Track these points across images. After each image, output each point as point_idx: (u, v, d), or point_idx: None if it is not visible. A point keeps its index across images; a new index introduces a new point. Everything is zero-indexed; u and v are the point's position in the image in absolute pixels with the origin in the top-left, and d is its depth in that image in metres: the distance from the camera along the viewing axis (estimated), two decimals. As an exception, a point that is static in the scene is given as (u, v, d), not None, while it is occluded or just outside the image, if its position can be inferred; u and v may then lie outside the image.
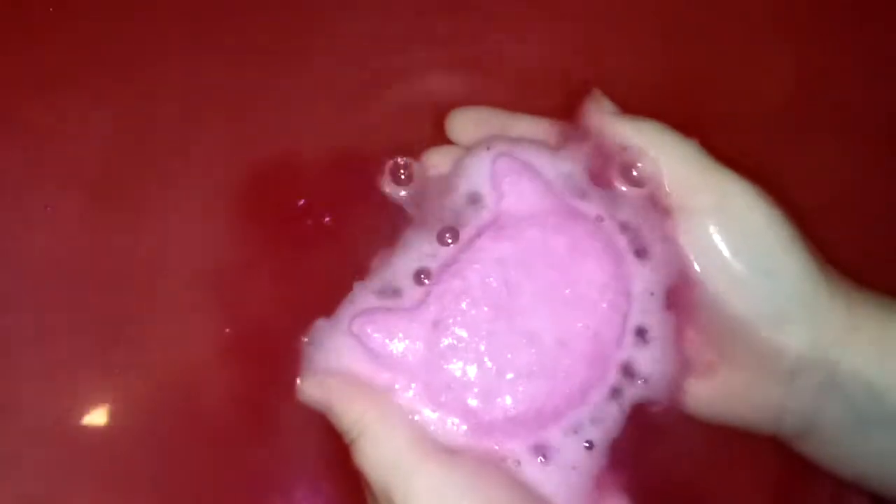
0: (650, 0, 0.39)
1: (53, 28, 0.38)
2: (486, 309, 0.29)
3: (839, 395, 0.28)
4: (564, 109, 0.33)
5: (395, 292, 0.30)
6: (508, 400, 0.28)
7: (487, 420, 0.28)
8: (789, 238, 0.29)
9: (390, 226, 0.33)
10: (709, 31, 0.39)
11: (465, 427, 0.28)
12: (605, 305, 0.29)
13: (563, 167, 0.31)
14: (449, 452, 0.27)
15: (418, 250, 0.30)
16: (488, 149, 0.31)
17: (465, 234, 0.30)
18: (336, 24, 0.39)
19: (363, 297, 0.30)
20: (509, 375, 0.28)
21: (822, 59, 0.39)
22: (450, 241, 0.30)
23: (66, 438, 0.35)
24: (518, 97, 0.36)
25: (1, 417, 0.35)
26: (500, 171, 0.30)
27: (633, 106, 0.32)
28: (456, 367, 0.28)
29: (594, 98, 0.32)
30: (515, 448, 0.28)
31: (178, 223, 0.37)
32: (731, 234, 0.29)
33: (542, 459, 0.28)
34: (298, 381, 0.29)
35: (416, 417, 0.28)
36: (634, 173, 0.30)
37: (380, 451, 0.27)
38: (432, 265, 0.30)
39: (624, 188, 0.31)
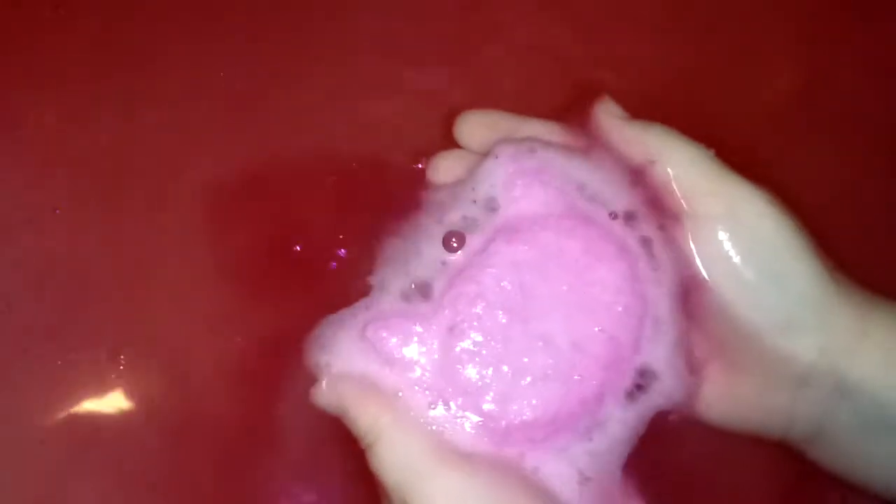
0: (655, 3, 0.40)
1: (53, 28, 0.38)
2: (500, 313, 0.29)
3: (848, 402, 0.29)
4: (572, 112, 0.33)
5: (410, 297, 0.30)
6: (524, 404, 0.28)
7: (504, 424, 0.28)
8: (799, 245, 0.29)
9: (399, 231, 0.33)
10: (710, 31, 0.40)
11: (481, 431, 0.28)
12: (619, 309, 0.29)
13: (574, 170, 0.31)
14: (465, 457, 0.27)
15: (428, 255, 0.30)
16: (500, 153, 0.31)
17: (476, 239, 0.30)
18: (340, 27, 0.39)
19: (377, 302, 0.30)
20: (525, 380, 0.28)
21: (824, 60, 0.39)
22: (455, 245, 0.30)
23: (67, 440, 0.35)
24: (525, 100, 0.36)
25: (1, 417, 0.34)
26: (513, 174, 0.30)
27: (633, 106, 0.32)
28: (471, 372, 0.28)
29: (603, 103, 0.32)
30: (532, 452, 0.28)
31: (182, 223, 0.37)
32: (741, 241, 0.29)
33: (559, 464, 0.28)
34: (314, 386, 0.29)
35: (432, 422, 0.28)
36: (644, 178, 0.30)
37: (396, 456, 0.27)
38: (443, 270, 0.30)
39: (634, 193, 0.31)
